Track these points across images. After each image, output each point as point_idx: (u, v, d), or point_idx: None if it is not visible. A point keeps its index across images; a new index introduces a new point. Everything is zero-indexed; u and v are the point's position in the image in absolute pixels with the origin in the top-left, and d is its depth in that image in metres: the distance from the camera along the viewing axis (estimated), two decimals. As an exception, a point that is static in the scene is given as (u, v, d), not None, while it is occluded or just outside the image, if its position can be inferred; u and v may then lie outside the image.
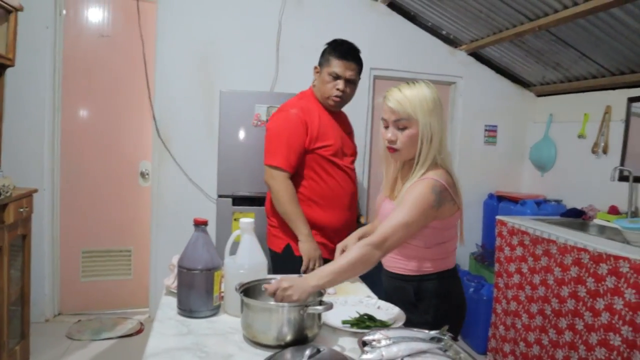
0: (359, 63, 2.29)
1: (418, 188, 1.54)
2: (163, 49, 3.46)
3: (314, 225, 2.25)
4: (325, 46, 2.32)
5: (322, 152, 2.24)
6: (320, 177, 2.26)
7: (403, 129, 1.58)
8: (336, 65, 2.23)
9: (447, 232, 1.64)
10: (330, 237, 2.29)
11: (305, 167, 2.26)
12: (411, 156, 1.61)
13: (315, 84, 2.34)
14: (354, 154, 2.42)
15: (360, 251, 1.45)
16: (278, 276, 1.53)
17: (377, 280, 1.84)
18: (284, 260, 2.27)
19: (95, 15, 3.60)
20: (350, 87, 2.29)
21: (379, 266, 1.78)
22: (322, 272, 1.42)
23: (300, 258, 2.19)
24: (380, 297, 1.72)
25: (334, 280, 1.42)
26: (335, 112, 2.36)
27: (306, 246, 2.20)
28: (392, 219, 1.50)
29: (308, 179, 2.27)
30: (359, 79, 2.34)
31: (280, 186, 2.20)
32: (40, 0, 3.30)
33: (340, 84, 2.24)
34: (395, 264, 1.69)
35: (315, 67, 2.34)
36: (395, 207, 1.58)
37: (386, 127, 1.62)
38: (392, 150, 1.62)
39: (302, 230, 2.21)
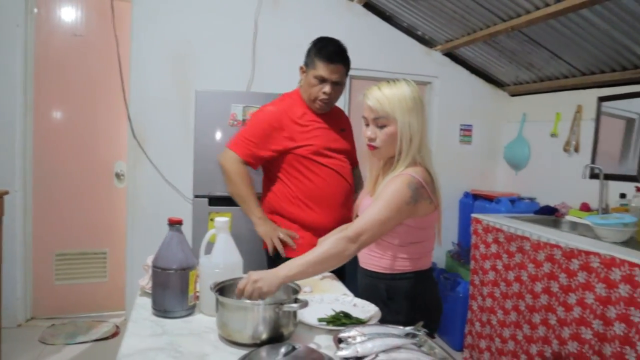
0: (346, 64, 2.23)
1: (394, 184, 1.55)
2: (138, 49, 3.42)
3: (306, 226, 2.24)
4: (311, 45, 2.25)
5: (301, 151, 2.22)
6: (305, 177, 2.24)
7: (382, 127, 1.59)
8: (322, 69, 2.17)
9: (423, 232, 1.65)
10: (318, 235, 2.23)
11: (289, 167, 2.25)
12: (391, 154, 1.63)
13: (302, 84, 2.29)
14: (347, 151, 2.36)
15: (334, 244, 1.46)
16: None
17: (354, 278, 1.85)
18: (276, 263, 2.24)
19: (68, 14, 3.55)
20: (337, 89, 2.24)
21: (356, 263, 1.80)
22: (294, 263, 1.42)
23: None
24: (357, 296, 1.72)
25: (305, 271, 1.42)
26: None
27: (262, 229, 2.23)
28: (368, 214, 1.52)
29: (293, 179, 2.25)
30: (347, 80, 2.31)
31: (231, 167, 2.23)
32: (11, -2, 3.24)
33: (326, 87, 2.19)
34: (370, 260, 1.70)
35: (301, 67, 2.28)
36: (371, 202, 1.59)
37: (367, 125, 1.64)
38: (371, 147, 1.64)
39: (254, 212, 2.24)
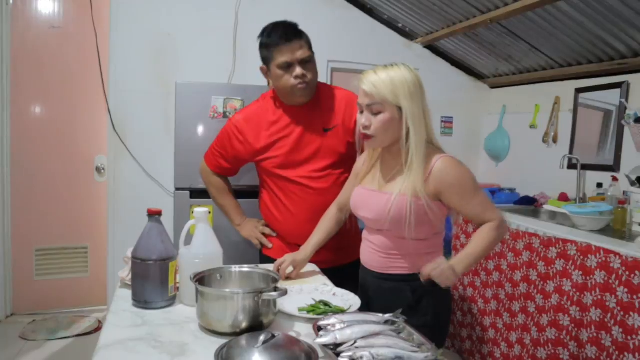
0: (303, 37, 1.95)
1: (458, 169, 1.52)
2: (117, 41, 3.38)
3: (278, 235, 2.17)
4: (259, 40, 2.00)
5: (266, 164, 2.05)
6: (271, 189, 2.10)
7: (377, 113, 1.49)
8: (281, 54, 1.90)
9: (441, 223, 1.61)
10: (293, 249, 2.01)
11: (261, 176, 2.15)
12: (387, 143, 1.54)
13: (272, 85, 2.05)
14: (328, 155, 2.02)
15: (493, 235, 1.51)
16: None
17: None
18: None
19: (44, 5, 3.49)
20: (309, 67, 1.94)
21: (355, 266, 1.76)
22: (468, 260, 1.49)
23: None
24: (368, 304, 1.62)
25: (474, 264, 1.57)
26: (303, 106, 2.02)
27: (244, 232, 2.22)
28: (483, 202, 1.53)
29: (263, 189, 2.16)
30: (313, 53, 1.99)
31: (205, 180, 2.28)
32: (-15, -11, 3.18)
33: (296, 70, 1.90)
34: (390, 264, 1.60)
35: (262, 68, 2.03)
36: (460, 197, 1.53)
37: (361, 113, 1.54)
38: (366, 137, 1.54)
39: (234, 220, 2.25)
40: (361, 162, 1.73)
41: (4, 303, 3.46)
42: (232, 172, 2.24)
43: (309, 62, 1.95)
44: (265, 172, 2.08)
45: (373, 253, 1.63)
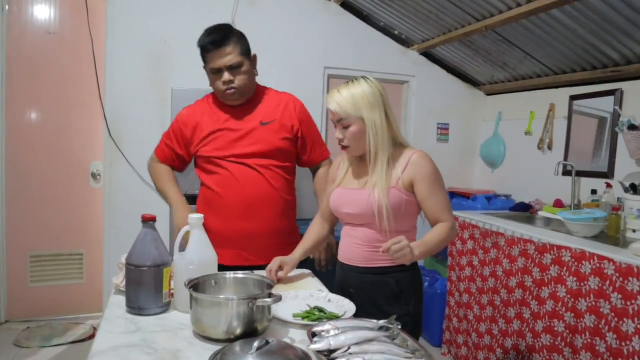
0: (233, 43, 1.98)
1: (425, 163, 1.70)
2: (113, 47, 3.39)
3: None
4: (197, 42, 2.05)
5: (202, 152, 2.07)
6: (205, 181, 2.11)
7: (347, 127, 1.67)
8: (210, 60, 1.99)
9: (417, 216, 1.76)
10: (220, 246, 1.86)
11: (199, 170, 2.16)
12: (363, 150, 1.71)
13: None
14: (264, 149, 2.04)
15: (447, 232, 1.66)
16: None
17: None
18: None
19: (41, 11, 3.50)
20: (237, 72, 1.98)
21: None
22: (426, 247, 1.61)
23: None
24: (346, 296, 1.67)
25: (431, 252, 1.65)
26: (245, 104, 2.08)
27: (178, 216, 2.10)
28: (440, 200, 1.69)
29: (203, 183, 2.14)
30: (249, 57, 2.04)
31: (150, 169, 2.25)
32: (-18, -5, 3.18)
33: (225, 76, 1.97)
34: (373, 257, 1.70)
35: (204, 67, 2.09)
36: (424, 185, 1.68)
37: (335, 128, 1.72)
38: (343, 148, 1.74)
39: (172, 197, 2.17)
40: (335, 167, 1.88)
41: (-2, 310, 3.45)
42: (175, 161, 2.20)
43: (238, 68, 1.99)
44: (204, 160, 2.09)
45: (356, 248, 1.74)
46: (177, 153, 2.18)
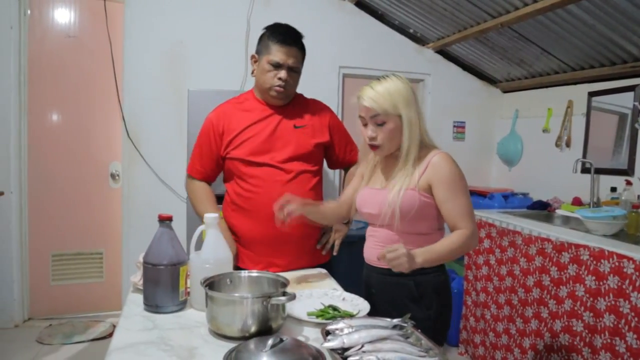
0: (301, 49, 2.04)
1: (448, 165, 1.61)
2: (131, 49, 3.44)
3: (235, 234, 2.07)
4: (263, 31, 2.07)
5: (236, 152, 2.03)
6: (237, 184, 2.06)
7: (382, 124, 1.60)
8: (277, 52, 1.97)
9: (441, 218, 1.67)
10: (248, 247, 2.04)
11: (228, 173, 2.11)
12: (393, 149, 1.65)
13: (255, 74, 2.08)
14: (296, 153, 2.04)
15: (463, 241, 1.57)
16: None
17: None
18: None
19: (61, 15, 3.56)
20: (293, 76, 2.02)
21: (358, 263, 1.81)
22: (430, 255, 1.53)
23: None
24: (367, 297, 1.65)
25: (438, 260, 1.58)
26: (280, 106, 2.08)
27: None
28: (461, 206, 1.59)
29: (230, 185, 2.11)
30: (301, 67, 2.07)
31: (190, 194, 2.17)
32: (3, 0, 3.25)
33: (282, 73, 1.97)
34: None
35: (253, 56, 2.09)
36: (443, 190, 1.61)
37: (365, 125, 1.64)
38: (374, 147, 1.65)
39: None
40: (364, 165, 1.82)
41: (21, 307, 3.52)
42: (210, 174, 2.14)
43: (294, 72, 2.02)
44: (235, 162, 2.04)
45: (377, 248, 1.66)
46: (214, 162, 2.10)
